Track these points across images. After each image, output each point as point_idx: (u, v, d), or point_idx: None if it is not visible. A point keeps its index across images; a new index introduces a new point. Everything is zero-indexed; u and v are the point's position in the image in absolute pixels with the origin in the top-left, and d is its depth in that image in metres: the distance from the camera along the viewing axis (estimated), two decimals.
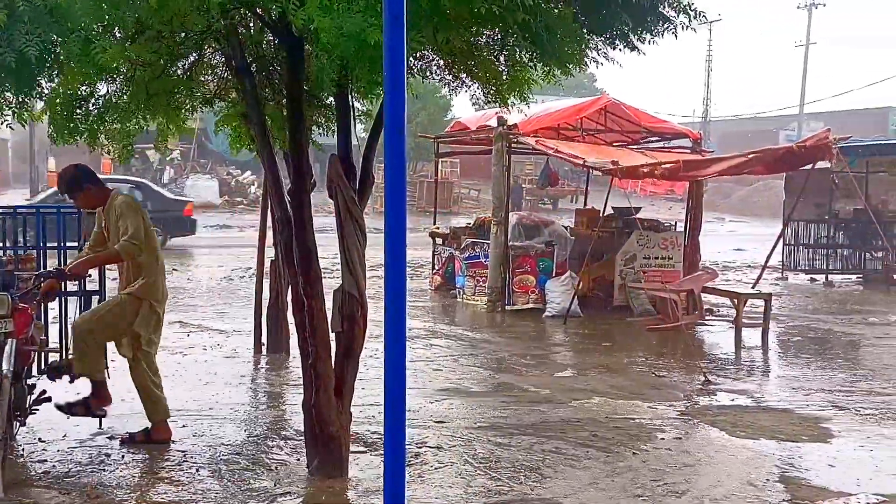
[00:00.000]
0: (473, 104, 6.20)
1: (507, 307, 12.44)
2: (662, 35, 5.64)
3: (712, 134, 59.13)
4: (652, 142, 14.42)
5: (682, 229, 13.74)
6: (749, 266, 19.61)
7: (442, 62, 5.83)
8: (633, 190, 14.60)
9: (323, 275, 5.72)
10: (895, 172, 18.19)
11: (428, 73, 5.99)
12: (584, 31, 5.16)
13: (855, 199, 17.02)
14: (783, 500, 5.53)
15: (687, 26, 5.50)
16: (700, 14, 5.21)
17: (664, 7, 5.21)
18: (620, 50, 5.71)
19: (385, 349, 3.23)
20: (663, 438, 6.78)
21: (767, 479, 5.90)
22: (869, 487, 5.73)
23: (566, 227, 13.43)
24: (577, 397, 7.92)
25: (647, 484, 5.71)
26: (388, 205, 3.11)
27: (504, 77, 5.67)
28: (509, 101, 5.88)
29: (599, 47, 5.56)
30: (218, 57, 6.09)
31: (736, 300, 11.37)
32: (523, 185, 33.73)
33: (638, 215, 13.17)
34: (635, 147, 14.06)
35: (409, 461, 6.03)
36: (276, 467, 5.87)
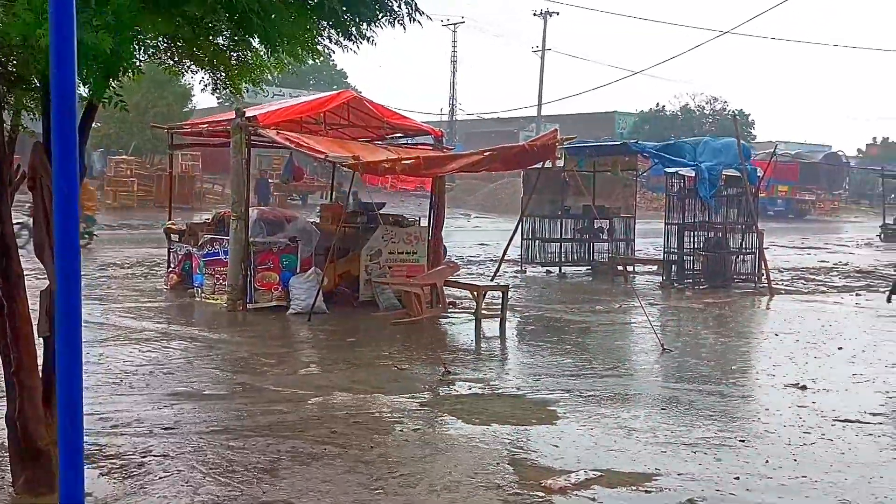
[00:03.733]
0: (203, 89, 5.89)
1: (249, 305, 12.06)
2: (392, 25, 5.62)
3: (458, 133, 61.32)
4: (397, 138, 14.59)
5: (427, 224, 14.00)
6: (492, 260, 20.41)
7: (162, 45, 5.47)
8: (383, 185, 14.69)
9: (27, 273, 5.18)
10: (618, 172, 19.61)
11: (149, 56, 5.60)
12: (311, 16, 5.03)
13: (583, 196, 18.20)
14: (512, 482, 5.71)
15: (413, 18, 5.51)
16: (416, 8, 5.24)
17: None
18: (352, 39, 5.64)
19: (58, 365, 2.83)
20: (402, 430, 6.84)
21: (498, 463, 6.09)
22: (589, 464, 6.06)
23: (311, 223, 13.26)
24: (319, 394, 7.81)
25: (383, 476, 5.70)
26: (57, 214, 2.68)
27: (233, 62, 5.41)
28: (241, 88, 5.63)
29: (332, 35, 5.46)
30: None
31: (476, 293, 11.73)
32: (271, 180, 33.00)
33: (383, 210, 13.26)
34: (381, 143, 14.15)
35: (132, 472, 5.65)
36: None
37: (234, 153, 12.03)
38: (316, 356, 10.03)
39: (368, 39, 5.52)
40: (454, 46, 63.34)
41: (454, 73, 63.50)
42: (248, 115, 11.93)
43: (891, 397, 8.17)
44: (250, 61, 5.41)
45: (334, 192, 17.76)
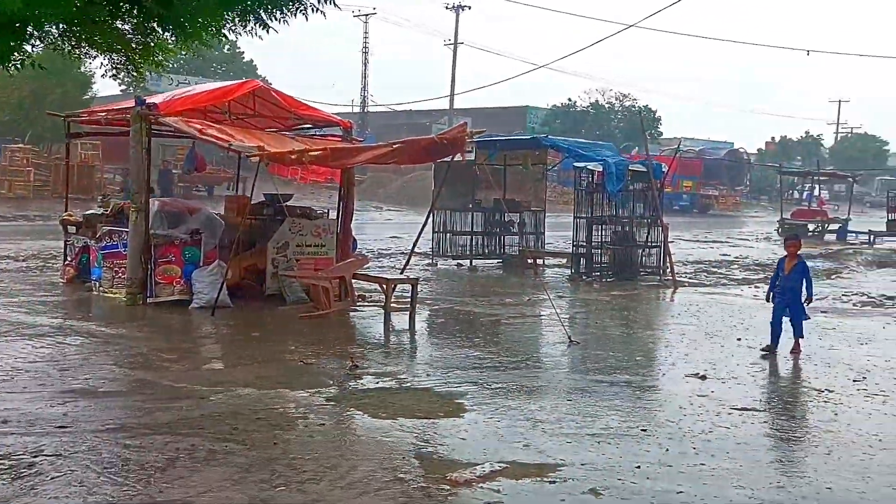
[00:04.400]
0: (104, 75, 5.68)
1: (150, 300, 11.69)
2: (294, 14, 5.53)
3: (370, 125, 61.03)
4: (306, 129, 14.37)
5: (336, 217, 13.83)
6: (403, 253, 20.33)
7: (56, 31, 5.24)
8: (293, 177, 14.44)
9: None
10: (528, 166, 19.80)
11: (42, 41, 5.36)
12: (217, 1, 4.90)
13: (494, 189, 18.30)
14: (418, 476, 5.68)
15: (316, 9, 5.42)
16: None
17: None
18: (258, 25, 5.53)
19: None
20: (306, 426, 6.73)
21: (404, 457, 6.04)
22: (494, 456, 6.06)
23: (215, 215, 12.93)
24: (221, 391, 7.61)
25: (285, 473, 5.60)
26: None
27: (134, 46, 5.22)
28: (143, 73, 5.44)
29: (237, 21, 5.34)
30: None
31: (385, 286, 11.65)
32: (175, 171, 32.10)
33: (290, 202, 13.04)
34: (289, 134, 13.91)
35: (21, 473, 5.41)
36: None
37: (133, 142, 11.63)
38: (219, 351, 9.80)
39: (268, 28, 5.40)
40: (365, 38, 63.07)
41: (366, 64, 63.24)
42: (148, 102, 11.55)
43: (785, 385, 8.44)
44: (152, 45, 5.24)
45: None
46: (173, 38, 5.25)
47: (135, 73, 5.51)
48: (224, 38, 5.41)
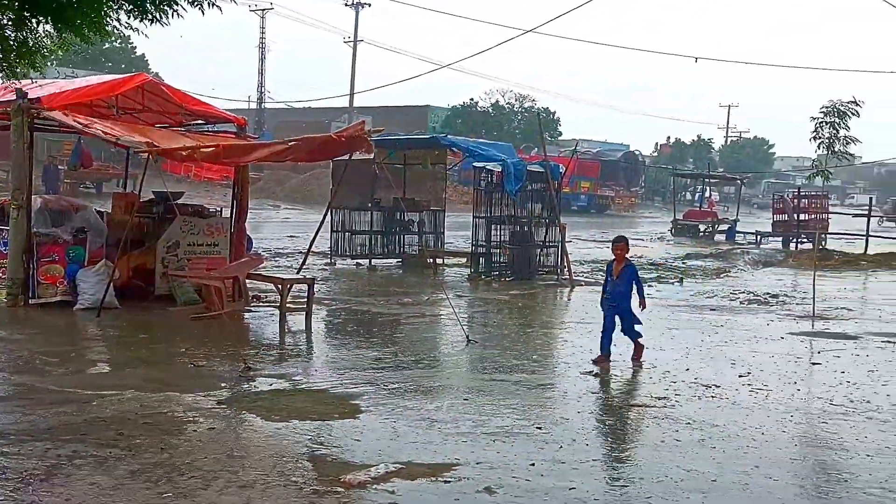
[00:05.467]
0: None
1: (32, 301, 11.19)
2: (185, 8, 5.35)
3: (268, 122, 60.13)
4: (199, 125, 13.98)
5: (230, 215, 13.51)
6: (301, 252, 20.07)
7: None
8: (187, 175, 14.05)
9: None
10: (428, 165, 19.80)
11: None
12: None
13: (394, 188, 18.22)
14: (311, 479, 5.58)
15: (212, 3, 5.26)
16: None
17: None
18: (146, 19, 5.32)
19: None
20: (196, 430, 6.54)
21: (297, 460, 5.93)
22: (389, 457, 6.00)
23: (102, 213, 12.47)
24: (106, 395, 7.33)
25: (173, 479, 5.43)
26: None
27: (11, 43, 4.94)
28: (20, 73, 5.16)
29: (121, 17, 5.12)
30: None
31: (280, 286, 11.45)
32: (60, 167, 30.83)
33: (181, 200, 12.67)
34: (181, 130, 13.51)
35: None
36: None
37: (14, 137, 11.10)
38: (105, 354, 9.46)
39: (158, 21, 5.21)
40: (262, 33, 62.04)
41: (262, 60, 62.20)
42: (30, 96, 11.03)
43: (674, 381, 8.62)
44: (30, 42, 4.98)
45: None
46: (54, 33, 4.99)
47: (8, 73, 5.22)
48: (109, 34, 5.17)
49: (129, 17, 5.26)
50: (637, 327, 9.58)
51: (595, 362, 9.34)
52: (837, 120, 29.69)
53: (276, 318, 11.38)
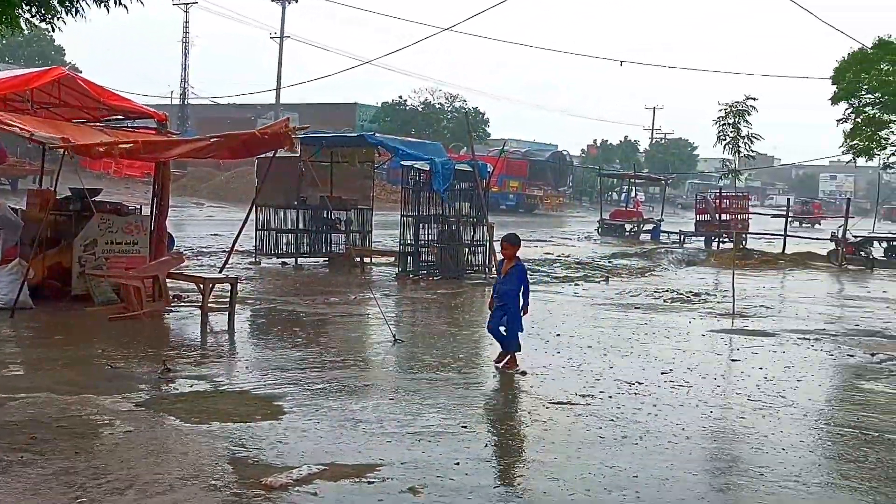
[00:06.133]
0: None
1: None
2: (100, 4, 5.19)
3: (192, 118, 59.04)
4: (118, 121, 13.60)
5: (150, 213, 13.18)
6: (224, 251, 19.74)
7: None
8: (107, 171, 13.66)
9: None
10: (356, 163, 19.66)
11: None
12: None
13: (320, 187, 18.03)
14: (231, 482, 5.46)
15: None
16: None
17: None
18: (58, 12, 5.14)
19: None
20: (112, 433, 6.35)
21: (217, 463, 5.80)
22: (312, 459, 5.91)
23: (16, 210, 12.02)
24: (19, 398, 7.07)
25: (86, 485, 5.25)
26: None
27: None
28: None
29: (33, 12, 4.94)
30: None
31: (202, 285, 11.21)
32: None
33: (99, 197, 12.31)
34: (100, 125, 13.11)
35: None
36: None
37: None
38: (18, 356, 9.12)
39: (78, 12, 5.03)
40: (186, 27, 60.82)
41: (186, 55, 60.93)
42: None
43: (598, 379, 8.71)
44: None
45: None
46: None
47: None
48: (17, 26, 4.97)
49: (33, 17, 5.08)
50: (520, 335, 9.16)
51: (499, 361, 9.11)
52: (737, 118, 30.48)
53: (198, 319, 11.15)
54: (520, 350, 9.15)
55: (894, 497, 5.66)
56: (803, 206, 44.27)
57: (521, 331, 9.18)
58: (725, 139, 30.45)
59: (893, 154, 26.26)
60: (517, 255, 9.28)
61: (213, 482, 5.43)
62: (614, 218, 38.93)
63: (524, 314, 9.11)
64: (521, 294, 9.05)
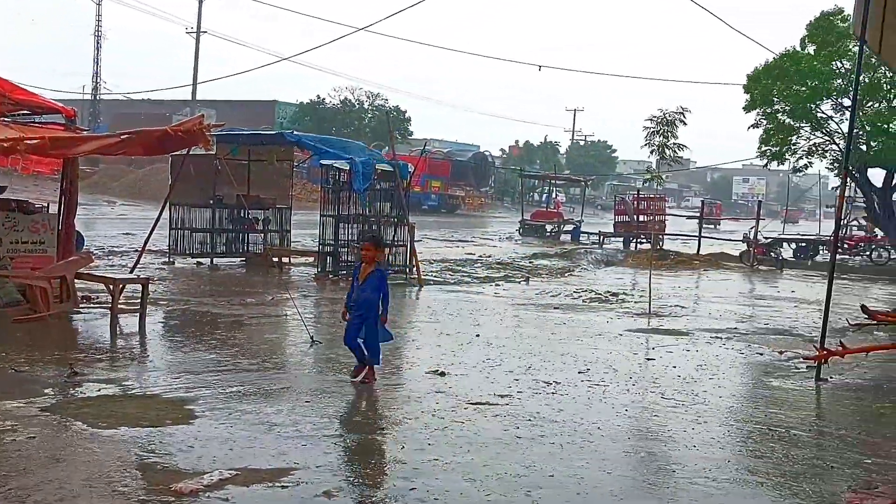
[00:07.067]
0: None
1: None
2: None
3: (104, 114, 57.49)
4: (25, 115, 13.10)
5: (58, 211, 12.73)
6: (137, 250, 19.25)
7: None
8: (13, 168, 13.13)
9: None
10: (274, 162, 19.37)
11: None
12: None
13: (238, 185, 17.68)
14: (139, 489, 5.29)
15: None
16: None
17: None
18: None
19: None
20: (14, 440, 6.09)
21: (125, 469, 5.63)
22: (224, 463, 5.77)
23: None
24: None
25: None
26: None
27: None
28: None
29: None
30: None
31: (112, 286, 10.88)
32: None
33: (3, 195, 11.83)
34: (7, 120, 12.59)
35: None
36: None
37: None
38: None
39: None
40: (98, 20, 59.17)
41: (98, 49, 59.30)
42: None
43: (517, 379, 8.75)
44: None
45: None
46: None
47: None
48: None
49: None
50: (362, 351, 8.31)
51: (355, 375, 8.32)
52: (666, 128, 31.40)
53: (108, 321, 10.82)
54: (379, 364, 8.38)
55: (798, 491, 5.80)
56: (708, 208, 45.91)
57: (390, 339, 8.57)
58: (652, 146, 31.18)
59: (801, 158, 27.17)
60: (377, 259, 8.42)
61: (121, 489, 5.26)
62: (535, 219, 39.33)
63: (384, 322, 8.34)
64: (381, 302, 8.21)
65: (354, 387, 8.18)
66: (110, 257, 18.18)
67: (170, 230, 18.45)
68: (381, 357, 8.42)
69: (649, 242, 29.40)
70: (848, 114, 23.68)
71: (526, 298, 15.73)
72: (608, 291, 17.12)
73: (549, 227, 37.82)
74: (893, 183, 26.14)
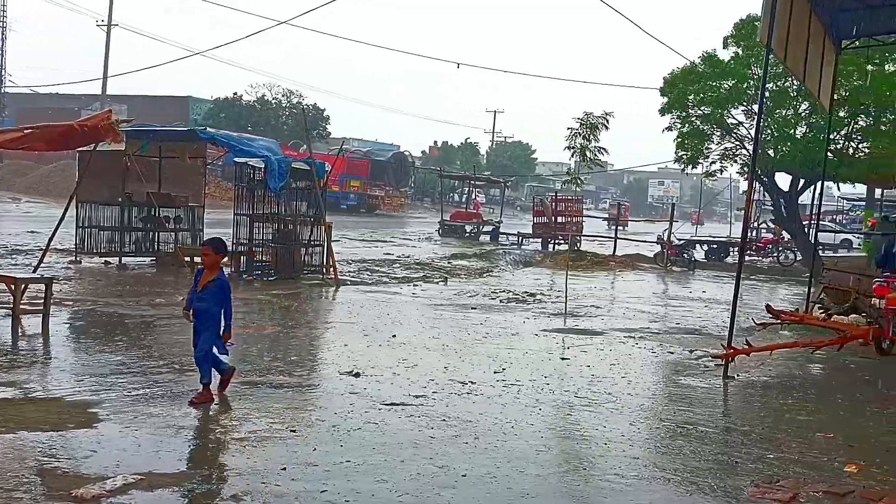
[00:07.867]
0: None
1: None
2: None
3: (9, 108, 55.47)
4: None
5: None
6: (41, 249, 18.60)
7: None
8: None
9: None
10: (186, 159, 18.94)
11: None
12: None
13: (148, 182, 17.26)
14: (39, 495, 5.12)
15: None
16: None
17: None
18: None
19: None
20: None
21: (24, 474, 5.41)
22: (129, 468, 5.60)
23: None
24: None
25: None
26: None
27: None
28: None
29: None
30: None
31: (13, 285, 10.46)
32: None
33: None
34: None
35: None
36: None
37: None
38: None
39: None
40: (3, 9, 56.96)
41: (4, 41, 57.06)
42: None
43: (432, 379, 8.72)
44: None
45: None
46: None
47: None
48: None
49: None
50: (219, 362, 7.69)
51: (223, 388, 7.67)
52: (589, 131, 32.16)
53: (8, 322, 10.39)
54: (210, 382, 7.51)
55: (704, 486, 5.92)
56: (618, 210, 46.96)
57: (225, 353, 7.72)
58: (573, 148, 31.97)
59: (714, 163, 27.87)
60: (220, 265, 7.81)
61: (19, 495, 5.06)
62: (455, 219, 39.43)
63: (227, 340, 7.63)
64: (222, 315, 7.54)
65: (267, 388, 8.04)
66: (14, 256, 17.51)
67: (76, 228, 17.87)
68: (211, 375, 7.52)
69: (567, 243, 29.80)
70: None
71: (444, 299, 15.73)
72: (525, 292, 17.26)
73: (468, 228, 37.98)
74: (799, 187, 27.01)
